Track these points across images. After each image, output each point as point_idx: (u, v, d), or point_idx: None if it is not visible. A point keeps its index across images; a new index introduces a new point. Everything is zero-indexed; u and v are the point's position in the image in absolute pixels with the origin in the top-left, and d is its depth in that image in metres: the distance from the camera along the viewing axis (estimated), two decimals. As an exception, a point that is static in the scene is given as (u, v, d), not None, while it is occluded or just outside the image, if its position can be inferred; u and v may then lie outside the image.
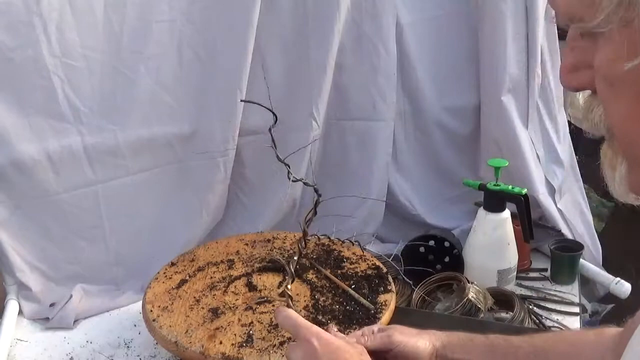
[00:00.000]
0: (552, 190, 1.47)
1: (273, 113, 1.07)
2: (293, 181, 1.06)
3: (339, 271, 1.23)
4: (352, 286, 1.17)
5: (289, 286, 1.00)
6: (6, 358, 1.18)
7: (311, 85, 1.38)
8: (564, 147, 1.51)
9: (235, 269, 1.26)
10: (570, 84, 0.53)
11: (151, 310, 1.12)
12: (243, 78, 1.32)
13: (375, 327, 0.99)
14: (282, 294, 0.98)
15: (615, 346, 0.77)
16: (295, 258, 1.05)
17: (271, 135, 1.07)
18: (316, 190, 1.07)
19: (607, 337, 0.81)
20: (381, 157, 1.47)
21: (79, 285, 1.34)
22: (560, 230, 1.46)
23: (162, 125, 1.35)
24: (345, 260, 1.27)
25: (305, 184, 1.10)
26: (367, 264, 1.26)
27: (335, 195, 1.25)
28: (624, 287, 1.38)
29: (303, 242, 1.09)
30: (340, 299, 1.14)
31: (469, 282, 1.23)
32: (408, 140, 1.52)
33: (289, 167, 1.05)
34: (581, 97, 0.55)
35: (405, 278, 1.32)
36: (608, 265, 1.55)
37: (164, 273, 1.24)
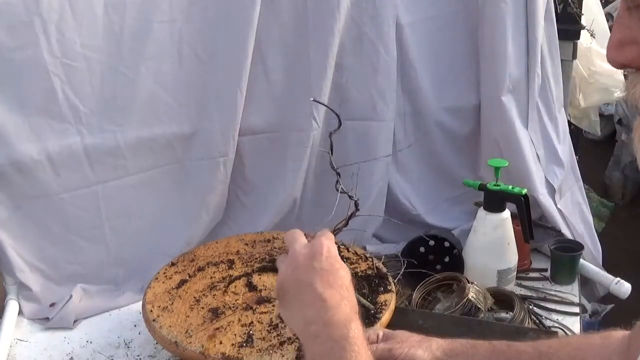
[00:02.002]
0: (552, 190, 1.46)
1: (337, 116, 1.06)
2: (341, 192, 1.05)
3: (339, 271, 1.22)
4: (352, 286, 1.17)
5: None
6: (6, 358, 1.18)
7: (311, 85, 1.38)
8: (564, 147, 1.51)
9: (235, 269, 1.26)
10: (616, 60, 0.53)
11: (151, 310, 1.12)
12: (243, 78, 1.32)
13: (380, 332, 0.98)
14: None
15: (622, 349, 0.77)
16: None
17: (330, 141, 1.06)
18: (356, 205, 1.06)
19: (613, 340, 0.80)
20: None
21: (79, 285, 1.34)
22: (560, 230, 1.45)
23: (162, 125, 1.35)
24: (345, 260, 1.27)
25: (350, 197, 1.08)
26: (367, 264, 1.25)
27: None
28: (624, 287, 1.38)
29: None
30: (340, 299, 1.13)
31: (469, 282, 1.23)
32: (408, 140, 1.52)
33: (339, 175, 1.04)
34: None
35: (403, 280, 1.32)
36: (608, 265, 1.55)
37: (164, 273, 1.24)
